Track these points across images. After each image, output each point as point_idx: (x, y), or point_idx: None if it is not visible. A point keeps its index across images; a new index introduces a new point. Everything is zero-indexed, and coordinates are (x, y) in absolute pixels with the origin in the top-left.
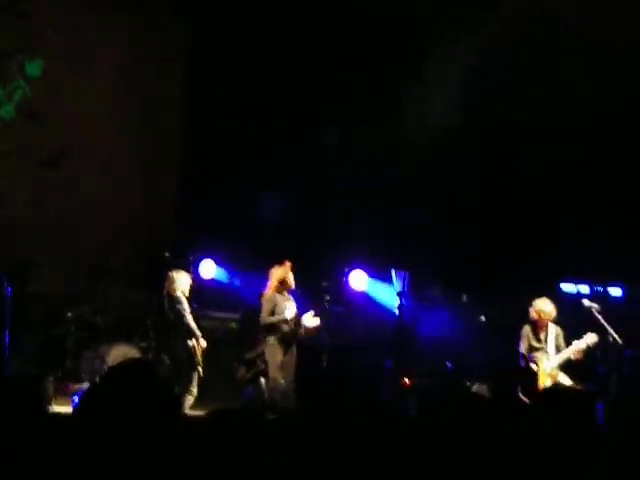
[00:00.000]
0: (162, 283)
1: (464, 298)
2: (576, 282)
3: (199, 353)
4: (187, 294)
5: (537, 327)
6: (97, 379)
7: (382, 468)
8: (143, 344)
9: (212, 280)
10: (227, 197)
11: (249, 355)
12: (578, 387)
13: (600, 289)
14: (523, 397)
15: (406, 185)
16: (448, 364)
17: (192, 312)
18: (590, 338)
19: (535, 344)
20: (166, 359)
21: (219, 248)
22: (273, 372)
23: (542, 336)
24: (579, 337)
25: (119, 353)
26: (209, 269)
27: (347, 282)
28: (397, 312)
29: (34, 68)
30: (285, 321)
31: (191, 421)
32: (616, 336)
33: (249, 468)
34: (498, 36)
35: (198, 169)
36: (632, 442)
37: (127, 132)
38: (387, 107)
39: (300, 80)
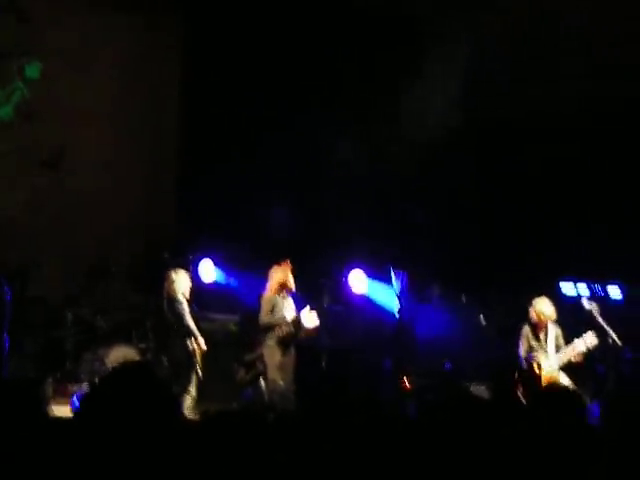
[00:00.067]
0: (161, 284)
1: (463, 298)
2: (575, 282)
3: (198, 354)
4: (187, 295)
5: (537, 327)
6: (96, 381)
7: (381, 468)
8: (142, 345)
9: (211, 282)
10: (227, 197)
11: (249, 357)
12: (569, 387)
13: (599, 289)
14: (522, 397)
15: (406, 184)
16: (447, 364)
17: (192, 313)
18: (590, 340)
19: (535, 344)
20: (165, 360)
21: (219, 248)
22: (272, 373)
23: (542, 336)
24: (578, 337)
25: (118, 355)
26: (208, 271)
27: (346, 282)
28: (396, 312)
29: (33, 70)
30: (284, 321)
31: (191, 422)
32: (615, 336)
33: (249, 468)
34: (498, 36)
35: (198, 169)
36: (630, 441)
37: (126, 132)
38: (387, 106)
39: (302, 80)
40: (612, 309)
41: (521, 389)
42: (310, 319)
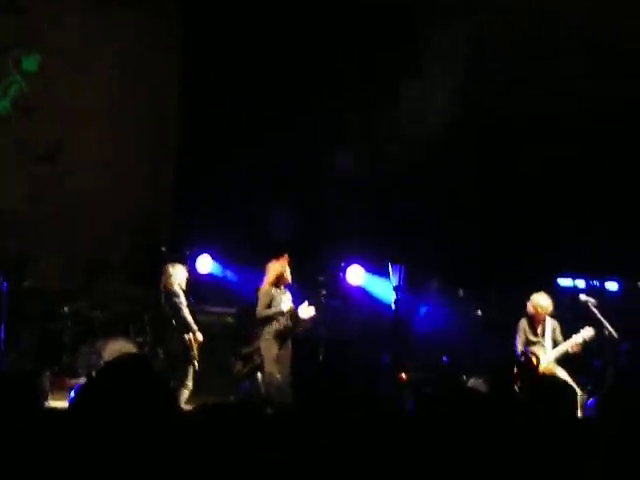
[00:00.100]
0: (159, 277)
1: (461, 292)
2: (573, 277)
3: (195, 347)
4: (184, 287)
5: (534, 321)
6: (93, 374)
7: (379, 462)
8: (140, 339)
9: (209, 275)
10: (225, 191)
11: (246, 350)
12: (566, 381)
13: (597, 284)
14: (519, 391)
15: (405, 180)
16: (444, 358)
17: (189, 306)
18: (587, 332)
19: (532, 338)
20: (161, 353)
21: (216, 242)
22: (269, 366)
23: (539, 330)
24: (576, 331)
25: (115, 348)
26: (206, 264)
27: (344, 276)
28: (393, 306)
29: (31, 63)
30: (281, 313)
31: (188, 415)
32: (612, 330)
33: (246, 462)
34: (498, 36)
35: (197, 164)
36: (627, 434)
37: (124, 126)
38: (386, 103)
39: (302, 80)
40: (609, 302)
41: (519, 383)
42: (307, 312)
